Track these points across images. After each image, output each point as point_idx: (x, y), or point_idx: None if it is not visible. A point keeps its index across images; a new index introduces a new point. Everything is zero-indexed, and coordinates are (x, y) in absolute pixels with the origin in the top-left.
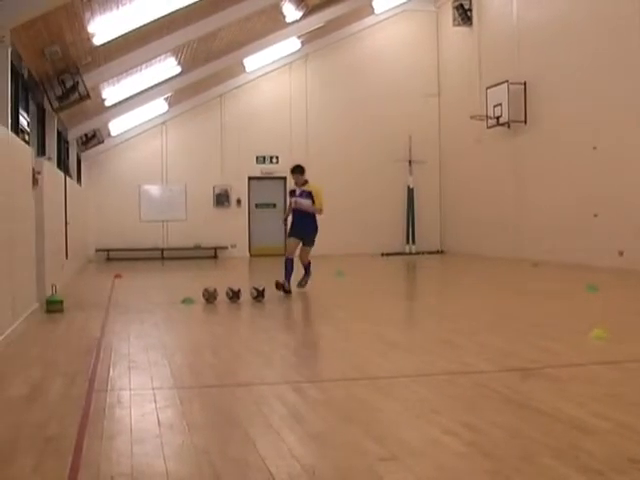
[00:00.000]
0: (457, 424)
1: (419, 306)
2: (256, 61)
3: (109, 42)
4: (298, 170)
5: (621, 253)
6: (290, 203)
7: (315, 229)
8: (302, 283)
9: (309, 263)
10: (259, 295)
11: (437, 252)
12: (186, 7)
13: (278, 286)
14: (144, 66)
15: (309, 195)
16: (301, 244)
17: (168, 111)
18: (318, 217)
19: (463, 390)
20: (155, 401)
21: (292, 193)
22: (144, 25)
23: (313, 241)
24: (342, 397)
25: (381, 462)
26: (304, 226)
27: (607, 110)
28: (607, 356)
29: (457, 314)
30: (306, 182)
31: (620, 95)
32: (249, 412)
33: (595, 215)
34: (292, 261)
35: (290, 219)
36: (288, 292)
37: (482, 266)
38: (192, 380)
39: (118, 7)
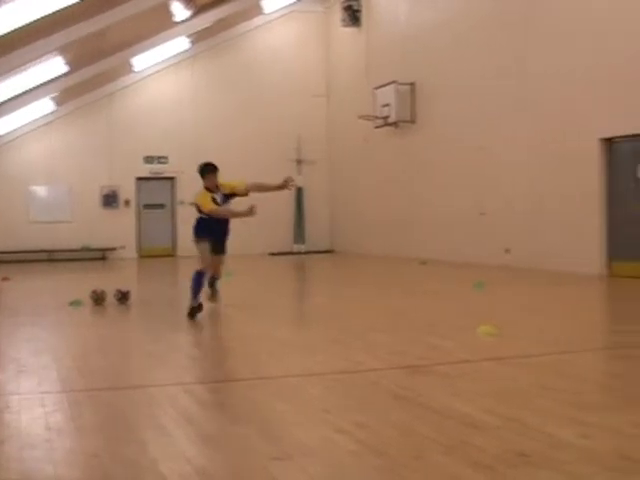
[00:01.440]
0: (348, 423)
1: (309, 305)
2: (145, 60)
3: None
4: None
5: (507, 251)
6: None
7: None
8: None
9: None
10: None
11: (327, 251)
12: (73, 5)
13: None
14: (31, 64)
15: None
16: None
17: (55, 110)
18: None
19: (354, 389)
20: (44, 405)
21: (214, 200)
22: (31, 23)
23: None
24: (234, 398)
25: (274, 462)
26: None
27: (493, 110)
28: (496, 352)
29: (346, 313)
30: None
31: (505, 96)
32: (140, 414)
33: (482, 213)
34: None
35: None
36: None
37: (371, 265)
38: (82, 383)
39: (3, 4)
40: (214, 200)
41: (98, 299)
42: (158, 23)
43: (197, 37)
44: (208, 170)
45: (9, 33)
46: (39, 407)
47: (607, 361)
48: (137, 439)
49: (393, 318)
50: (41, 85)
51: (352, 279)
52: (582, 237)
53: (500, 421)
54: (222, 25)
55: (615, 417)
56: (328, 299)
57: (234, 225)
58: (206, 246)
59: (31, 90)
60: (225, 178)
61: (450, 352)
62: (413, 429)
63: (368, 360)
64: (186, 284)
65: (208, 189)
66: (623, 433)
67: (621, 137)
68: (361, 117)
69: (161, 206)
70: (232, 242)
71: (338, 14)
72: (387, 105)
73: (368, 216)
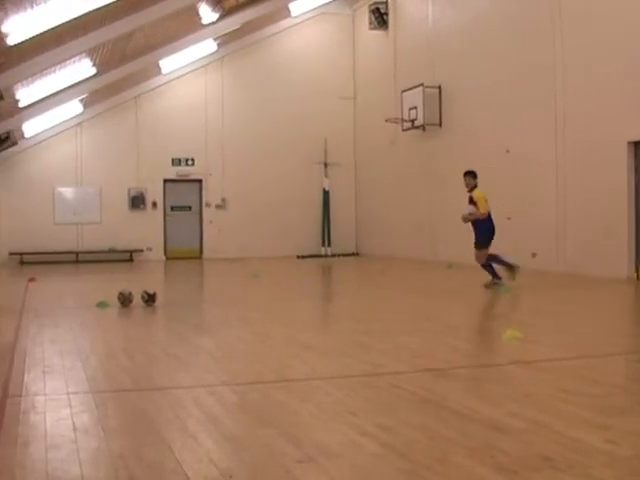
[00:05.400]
0: (372, 425)
1: (334, 308)
2: (172, 63)
3: (23, 42)
4: (469, 174)
5: (534, 255)
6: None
7: (481, 233)
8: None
9: (486, 263)
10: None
11: (352, 254)
12: (102, 7)
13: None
14: (59, 67)
15: (471, 201)
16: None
17: (83, 112)
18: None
19: (378, 391)
20: (70, 406)
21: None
22: (59, 25)
23: (483, 244)
24: (258, 400)
25: (297, 464)
26: (475, 233)
27: (520, 114)
28: (520, 356)
29: (371, 316)
30: (474, 187)
31: (532, 99)
32: (165, 416)
33: (508, 218)
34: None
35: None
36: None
37: (397, 268)
38: (107, 384)
39: (32, 7)
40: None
41: (125, 300)
42: (186, 26)
43: (224, 40)
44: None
45: (38, 35)
46: (65, 408)
47: (632, 366)
48: (162, 440)
49: (418, 321)
50: (69, 87)
51: (377, 282)
52: (610, 241)
53: (524, 425)
54: (250, 28)
55: (639, 421)
56: (353, 302)
57: (261, 228)
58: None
59: (59, 92)
60: (251, 179)
61: (475, 355)
62: (437, 432)
63: (393, 363)
64: (213, 286)
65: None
66: None
67: None
68: (388, 120)
69: (188, 208)
70: (260, 244)
71: (365, 17)
72: (414, 108)
73: (394, 219)
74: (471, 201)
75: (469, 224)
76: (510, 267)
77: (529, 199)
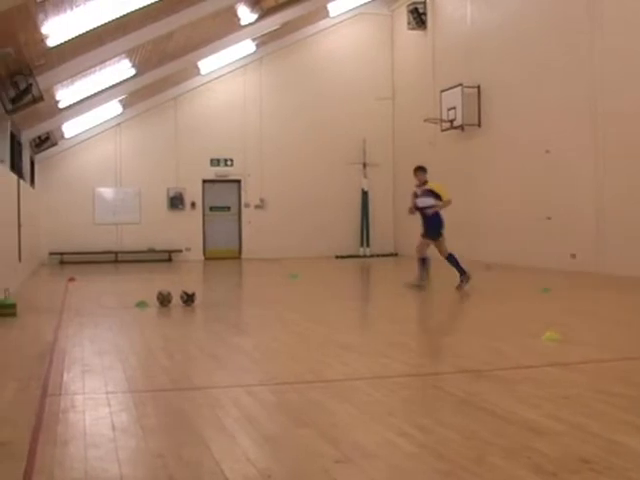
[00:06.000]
0: (411, 426)
1: (372, 308)
2: (211, 63)
3: (63, 43)
4: (420, 170)
5: (573, 256)
6: (415, 203)
7: (439, 224)
8: (415, 286)
9: (450, 255)
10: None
11: (391, 255)
12: (141, 9)
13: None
14: (98, 68)
15: (431, 193)
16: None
17: (122, 113)
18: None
19: (416, 392)
20: (109, 405)
21: (415, 194)
22: (98, 26)
23: (440, 234)
24: (296, 400)
25: (335, 464)
26: (430, 225)
27: (560, 113)
28: (559, 358)
29: (410, 316)
30: (426, 181)
31: (572, 98)
32: (203, 415)
33: (548, 218)
34: (424, 259)
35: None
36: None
37: (434, 268)
38: (146, 384)
39: (72, 8)
40: (415, 194)
41: (164, 300)
42: (225, 26)
43: (263, 40)
44: (415, 170)
45: (77, 37)
46: (104, 407)
47: None
48: (200, 440)
49: (456, 322)
50: (109, 88)
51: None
52: None
53: (562, 427)
54: (288, 28)
55: None
56: (391, 302)
57: (299, 228)
58: (424, 240)
59: (99, 93)
60: (290, 179)
61: (513, 357)
62: (475, 433)
63: (431, 363)
64: (251, 286)
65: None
66: None
67: None
68: (427, 120)
69: (227, 208)
70: (298, 244)
71: (404, 17)
72: (453, 108)
73: None
74: (425, 194)
75: (417, 216)
76: (462, 272)
77: (569, 199)
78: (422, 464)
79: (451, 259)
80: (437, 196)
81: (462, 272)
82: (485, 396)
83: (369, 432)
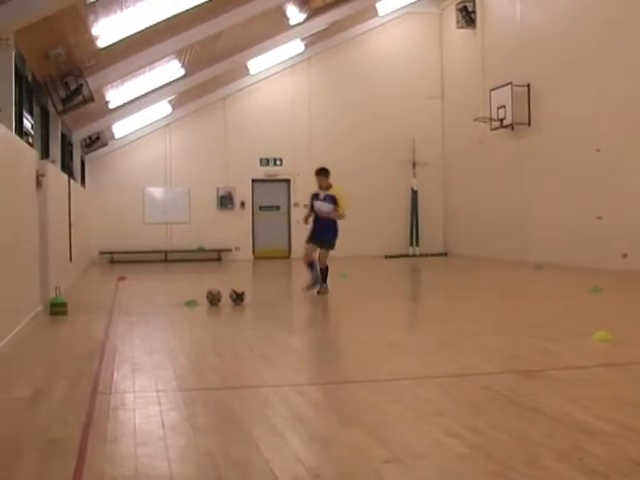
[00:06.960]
0: (460, 426)
1: (422, 308)
2: (260, 63)
3: (113, 44)
4: (323, 173)
5: (625, 255)
6: (312, 205)
7: (335, 234)
8: (311, 287)
9: (326, 267)
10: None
11: (441, 254)
12: (190, 9)
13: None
14: (148, 68)
15: (332, 199)
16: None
17: (172, 113)
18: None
19: (466, 392)
20: (159, 403)
21: (315, 196)
22: (148, 27)
23: (333, 245)
24: (345, 399)
25: (384, 464)
26: (323, 231)
27: (611, 112)
28: (611, 358)
29: (460, 316)
30: (330, 186)
31: (623, 97)
32: (253, 414)
33: (599, 217)
34: (312, 263)
35: (311, 222)
36: (324, 290)
37: (485, 268)
38: (196, 382)
39: (122, 9)
40: (315, 195)
41: (214, 299)
42: (273, 27)
43: (311, 40)
44: (316, 173)
45: (127, 38)
46: (154, 405)
47: None
48: (250, 439)
49: (506, 321)
50: (158, 88)
51: (465, 282)
52: None
53: (614, 428)
54: (337, 28)
55: None
56: (441, 302)
57: (348, 227)
58: (309, 245)
59: (148, 94)
60: (338, 179)
61: (564, 357)
62: (525, 434)
63: (481, 364)
64: (300, 285)
65: (319, 187)
66: None
67: None
68: (476, 119)
69: (276, 208)
70: (347, 244)
71: (453, 15)
72: (502, 107)
73: (482, 219)
74: (327, 199)
75: (310, 224)
76: (315, 280)
77: (620, 199)
78: (472, 465)
79: (322, 270)
80: (337, 204)
81: (319, 282)
82: (535, 396)
83: (418, 432)
